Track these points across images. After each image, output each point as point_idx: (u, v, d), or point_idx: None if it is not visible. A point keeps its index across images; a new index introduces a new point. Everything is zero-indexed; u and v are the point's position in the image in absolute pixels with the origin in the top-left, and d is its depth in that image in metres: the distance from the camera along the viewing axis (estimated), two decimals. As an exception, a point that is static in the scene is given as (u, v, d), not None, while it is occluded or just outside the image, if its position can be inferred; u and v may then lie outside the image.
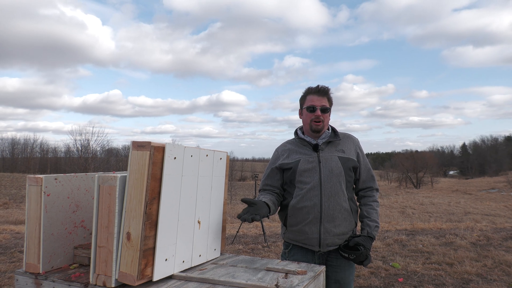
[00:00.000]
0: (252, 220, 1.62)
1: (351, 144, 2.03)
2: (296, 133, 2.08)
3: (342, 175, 1.92)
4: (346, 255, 1.84)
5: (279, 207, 2.06)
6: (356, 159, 1.99)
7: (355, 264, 1.93)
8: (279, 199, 2.01)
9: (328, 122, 2.01)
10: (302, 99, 2.05)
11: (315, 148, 1.96)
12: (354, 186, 2.06)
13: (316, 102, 1.97)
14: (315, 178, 1.91)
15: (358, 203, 2.06)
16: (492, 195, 32.55)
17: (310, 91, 2.01)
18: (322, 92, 1.99)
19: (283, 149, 2.07)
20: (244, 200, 1.74)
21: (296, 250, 1.99)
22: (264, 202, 1.81)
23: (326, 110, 1.97)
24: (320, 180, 1.90)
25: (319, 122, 1.96)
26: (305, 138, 2.02)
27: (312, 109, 1.97)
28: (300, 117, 2.08)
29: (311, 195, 1.90)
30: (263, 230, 6.60)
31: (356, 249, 1.84)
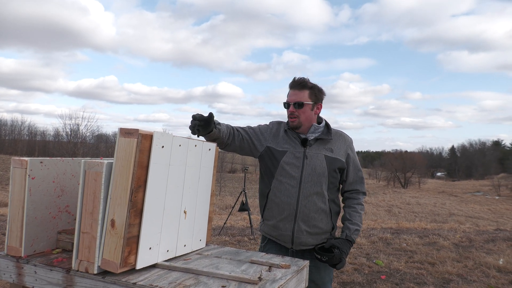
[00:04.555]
0: (194, 129, 1.56)
1: (342, 143, 1.94)
2: (287, 123, 1.96)
3: (325, 175, 1.84)
4: (319, 257, 1.77)
5: (260, 195, 1.99)
6: (344, 160, 1.90)
7: (334, 268, 1.83)
8: (234, 132, 1.84)
9: (307, 117, 1.89)
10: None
11: (304, 143, 1.88)
12: (341, 186, 1.99)
13: (290, 97, 1.88)
14: (297, 174, 1.84)
15: (342, 205, 2.01)
16: (477, 198, 33.14)
17: (289, 86, 1.92)
18: (297, 85, 1.88)
19: (277, 128, 1.95)
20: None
21: (271, 245, 1.95)
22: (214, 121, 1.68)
23: (300, 105, 1.85)
24: (301, 177, 1.83)
25: (294, 118, 1.87)
26: (294, 131, 1.91)
27: (286, 105, 1.89)
28: None
29: (289, 191, 1.84)
30: (250, 223, 6.63)
31: (331, 251, 1.78)
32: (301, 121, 1.88)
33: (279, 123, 2.00)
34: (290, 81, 1.92)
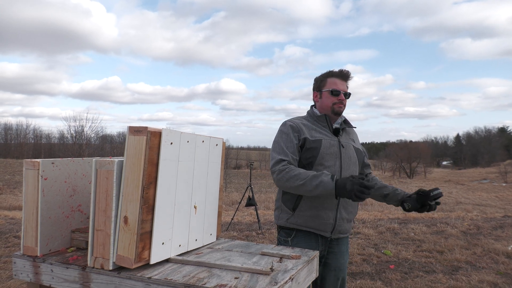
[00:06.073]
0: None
1: (355, 135, 2.12)
2: (312, 110, 2.03)
3: (357, 164, 1.98)
4: (433, 202, 1.85)
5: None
6: (362, 150, 2.08)
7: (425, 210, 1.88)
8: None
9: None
10: (321, 81, 2.02)
11: (336, 132, 1.96)
12: None
13: (339, 86, 1.98)
14: (337, 164, 1.88)
15: None
16: (484, 186, 32.96)
17: (332, 74, 2.00)
18: (346, 76, 2.01)
19: (302, 123, 1.93)
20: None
21: (300, 238, 1.89)
22: None
23: (349, 96, 2.01)
24: (341, 166, 1.89)
25: (341, 105, 1.97)
26: (326, 118, 1.97)
27: (336, 92, 1.95)
28: (315, 100, 2.05)
29: None
30: (257, 218, 6.67)
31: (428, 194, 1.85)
32: (343, 110, 2.01)
33: (297, 118, 2.00)
34: (335, 70, 2.01)
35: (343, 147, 1.92)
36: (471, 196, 23.17)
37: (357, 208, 2.02)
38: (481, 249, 4.88)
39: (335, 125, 2.00)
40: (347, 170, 1.90)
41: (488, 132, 74.25)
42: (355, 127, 2.10)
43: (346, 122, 2.06)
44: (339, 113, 1.98)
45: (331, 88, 1.96)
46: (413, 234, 5.86)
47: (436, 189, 1.85)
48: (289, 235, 1.93)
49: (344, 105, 1.99)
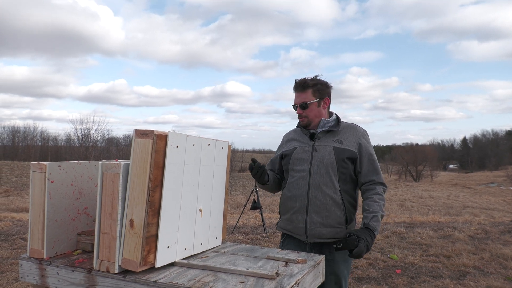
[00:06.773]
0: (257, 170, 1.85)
1: (353, 134, 1.95)
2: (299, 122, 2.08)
3: (333, 166, 1.86)
4: (335, 246, 1.71)
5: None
6: (356, 150, 1.90)
7: (351, 257, 1.74)
8: (278, 178, 2.10)
9: (315, 114, 1.96)
10: None
11: (312, 137, 1.96)
12: (358, 178, 1.96)
13: (296, 99, 1.98)
14: (306, 167, 1.91)
15: (362, 198, 2.00)
16: (492, 189, 32.61)
17: (293, 89, 2.01)
18: (299, 87, 1.97)
19: (288, 138, 2.11)
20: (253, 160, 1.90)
21: (289, 240, 1.98)
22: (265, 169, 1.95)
23: (305, 106, 1.94)
24: (310, 169, 1.90)
25: (302, 118, 1.98)
26: (302, 128, 2.03)
27: (294, 107, 2.00)
28: None
29: (299, 184, 1.91)
30: (262, 221, 6.65)
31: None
32: (310, 120, 1.98)
33: (289, 131, 2.15)
34: (294, 83, 2.01)
35: (316, 150, 1.92)
36: (478, 200, 22.94)
37: (342, 214, 1.87)
38: (489, 254, 4.82)
39: (318, 129, 1.97)
40: (317, 173, 1.87)
41: (495, 135, 73.63)
42: (338, 129, 1.94)
43: (338, 123, 1.99)
44: (304, 126, 2.00)
45: (292, 104, 2.02)
46: (419, 238, 5.81)
47: (340, 243, 1.70)
48: (282, 237, 2.07)
49: (306, 116, 1.95)
